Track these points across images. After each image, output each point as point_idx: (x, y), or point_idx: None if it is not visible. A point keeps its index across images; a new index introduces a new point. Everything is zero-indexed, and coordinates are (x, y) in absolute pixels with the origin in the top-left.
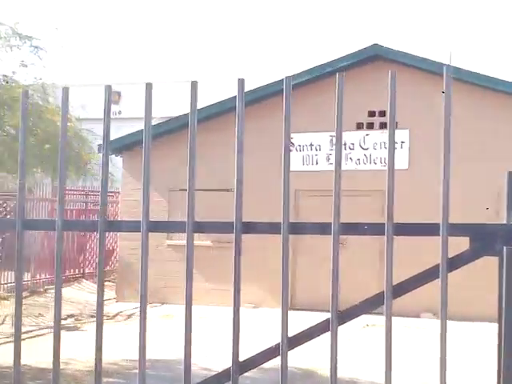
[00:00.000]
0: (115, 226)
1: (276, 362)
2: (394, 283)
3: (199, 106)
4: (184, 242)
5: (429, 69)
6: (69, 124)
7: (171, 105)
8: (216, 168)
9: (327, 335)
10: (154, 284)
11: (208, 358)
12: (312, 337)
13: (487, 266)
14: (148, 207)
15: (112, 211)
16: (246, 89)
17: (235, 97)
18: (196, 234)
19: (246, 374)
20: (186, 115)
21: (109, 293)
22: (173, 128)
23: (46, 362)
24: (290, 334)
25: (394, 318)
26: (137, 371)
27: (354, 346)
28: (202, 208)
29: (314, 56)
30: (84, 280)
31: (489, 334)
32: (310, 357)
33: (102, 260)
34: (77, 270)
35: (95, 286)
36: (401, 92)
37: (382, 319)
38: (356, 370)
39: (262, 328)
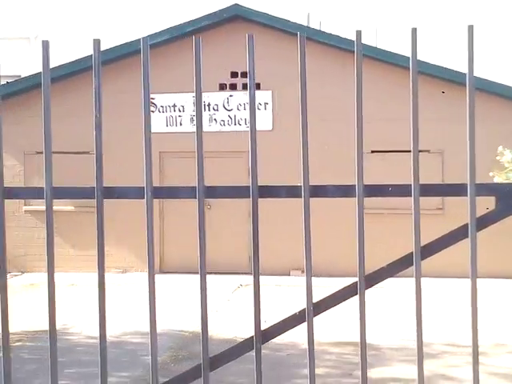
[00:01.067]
0: None
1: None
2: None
3: (54, 64)
4: (42, 208)
5: (289, 30)
6: None
7: (15, 63)
8: (74, 130)
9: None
10: (12, 252)
11: (93, 325)
12: (339, 301)
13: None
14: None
15: None
16: (105, 47)
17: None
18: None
19: None
20: (37, 74)
21: None
22: (26, 87)
23: None
24: (167, 296)
25: (265, 277)
26: (20, 343)
27: (233, 306)
28: (61, 171)
29: (175, 15)
30: None
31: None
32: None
33: None
34: None
35: None
36: (263, 53)
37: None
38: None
39: (134, 293)
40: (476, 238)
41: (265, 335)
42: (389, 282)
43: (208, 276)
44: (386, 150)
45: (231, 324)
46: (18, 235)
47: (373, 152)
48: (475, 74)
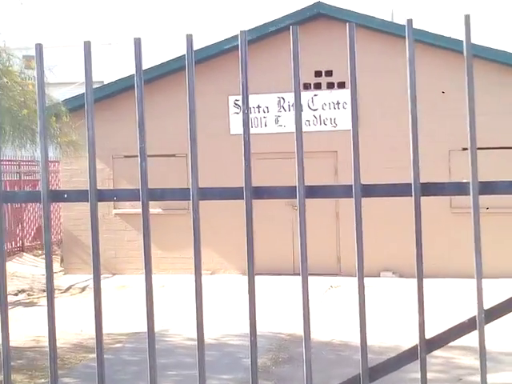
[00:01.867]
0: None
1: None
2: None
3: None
4: (132, 211)
5: (374, 27)
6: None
7: (97, 68)
8: (160, 133)
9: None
10: (103, 254)
11: (191, 327)
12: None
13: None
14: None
15: (52, 181)
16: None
17: (180, 57)
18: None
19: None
20: (125, 78)
21: (53, 265)
22: (112, 92)
23: (15, 341)
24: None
25: (354, 279)
26: (120, 345)
27: (326, 308)
28: (150, 175)
29: (256, 16)
30: (24, 253)
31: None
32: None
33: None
34: (14, 244)
35: (36, 258)
36: (346, 51)
37: (344, 280)
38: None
39: (226, 295)
40: None
41: (430, 344)
42: None
43: (296, 277)
44: (481, 148)
45: (326, 326)
46: (109, 238)
47: (464, 150)
48: None
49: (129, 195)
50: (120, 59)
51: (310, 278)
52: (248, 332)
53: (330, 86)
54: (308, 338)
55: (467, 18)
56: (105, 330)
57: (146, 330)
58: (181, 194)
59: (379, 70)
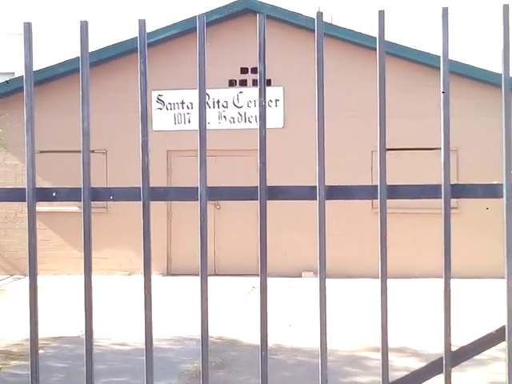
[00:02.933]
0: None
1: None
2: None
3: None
4: (46, 209)
5: (300, 24)
6: None
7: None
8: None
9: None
10: (15, 254)
11: (116, 331)
12: None
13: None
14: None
15: None
16: (104, 44)
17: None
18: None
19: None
20: (39, 71)
21: None
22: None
23: None
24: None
25: (277, 279)
26: (42, 351)
27: (250, 309)
28: (63, 170)
29: (184, 9)
30: None
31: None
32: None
33: None
34: None
35: None
36: (273, 48)
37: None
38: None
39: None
40: None
41: (455, 356)
42: None
43: (217, 278)
44: (400, 148)
45: (255, 328)
46: (21, 237)
47: (387, 150)
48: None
49: (128, 194)
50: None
51: (232, 279)
52: (178, 336)
53: (256, 83)
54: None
55: (381, 13)
56: (24, 335)
57: (67, 334)
58: (187, 194)
59: (306, 68)
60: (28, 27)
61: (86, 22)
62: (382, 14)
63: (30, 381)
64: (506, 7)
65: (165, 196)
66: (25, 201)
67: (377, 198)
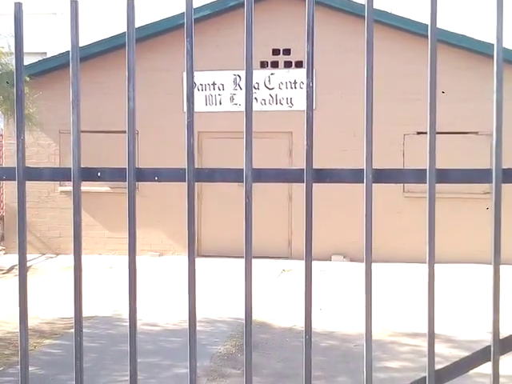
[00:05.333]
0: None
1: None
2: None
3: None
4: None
5: (335, 6)
6: None
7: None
8: (103, 108)
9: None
10: (47, 233)
11: (146, 312)
12: None
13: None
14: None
15: None
16: (137, 25)
17: (123, 33)
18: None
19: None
20: (82, 47)
21: None
22: (61, 64)
23: None
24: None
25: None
26: (72, 330)
27: (281, 292)
28: (91, 150)
29: None
30: None
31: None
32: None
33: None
34: None
35: None
36: (303, 30)
37: (296, 263)
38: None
39: (178, 278)
40: None
41: (503, 344)
42: None
43: (253, 260)
44: (439, 132)
45: (285, 311)
46: (53, 216)
47: (419, 133)
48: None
49: (173, 175)
50: (65, 29)
51: (263, 262)
52: (206, 317)
53: (288, 64)
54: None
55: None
56: (57, 314)
57: (100, 314)
58: (232, 175)
59: (339, 51)
60: (75, 5)
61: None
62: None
63: (74, 361)
64: None
65: (210, 177)
66: (70, 180)
67: (425, 183)
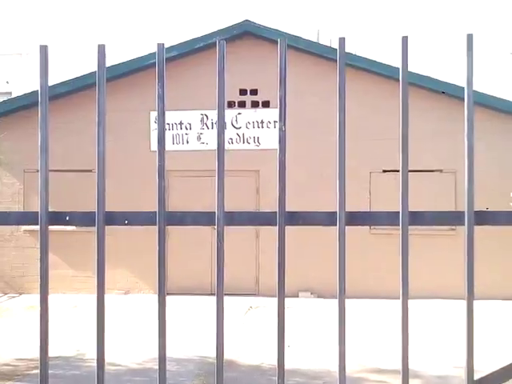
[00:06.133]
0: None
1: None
2: None
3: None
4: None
5: (299, 47)
6: None
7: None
8: (75, 147)
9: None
10: (10, 273)
11: (111, 351)
12: None
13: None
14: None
15: None
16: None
17: (94, 72)
18: None
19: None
20: (36, 92)
21: None
22: (27, 104)
23: None
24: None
25: (274, 299)
26: (37, 371)
27: (249, 330)
28: (61, 190)
29: (184, 31)
30: None
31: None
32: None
33: None
34: None
35: None
36: (273, 71)
37: (263, 300)
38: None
39: (141, 316)
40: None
41: None
42: None
43: (212, 297)
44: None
45: (253, 349)
46: (17, 255)
47: (384, 172)
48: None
49: (143, 219)
50: (30, 70)
51: (230, 299)
52: (172, 356)
53: (255, 104)
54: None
55: (405, 40)
56: (18, 355)
57: (64, 354)
58: (205, 219)
59: (303, 92)
60: (44, 50)
61: (103, 45)
62: (405, 40)
63: None
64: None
65: (181, 221)
66: (37, 224)
67: (398, 225)
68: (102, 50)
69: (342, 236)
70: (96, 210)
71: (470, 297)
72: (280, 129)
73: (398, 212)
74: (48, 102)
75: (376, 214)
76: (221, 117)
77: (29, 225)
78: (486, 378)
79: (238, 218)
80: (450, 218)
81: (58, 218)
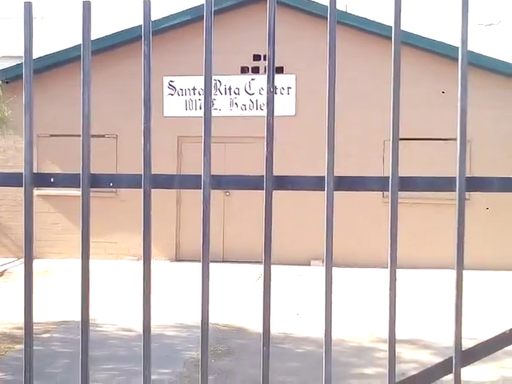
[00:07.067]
0: (46, 180)
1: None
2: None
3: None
4: (56, 193)
5: (314, 11)
6: None
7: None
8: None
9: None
10: (22, 237)
11: (122, 316)
12: None
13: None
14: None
15: None
16: (115, 30)
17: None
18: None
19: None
20: (53, 54)
21: None
22: (40, 67)
23: None
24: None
25: (285, 267)
26: (48, 335)
27: (258, 296)
28: (72, 155)
29: None
30: None
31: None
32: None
33: None
34: None
35: None
36: (286, 36)
37: (274, 268)
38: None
39: (156, 282)
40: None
41: (466, 356)
42: None
43: (225, 265)
44: (408, 138)
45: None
46: None
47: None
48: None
49: (129, 181)
50: (49, 34)
51: (241, 266)
52: (185, 323)
53: None
54: None
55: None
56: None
57: (74, 318)
58: (190, 182)
59: (319, 56)
60: (28, 7)
61: (88, 2)
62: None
63: (24, 371)
64: None
65: (167, 184)
66: (21, 186)
67: (388, 190)
68: (86, 6)
69: (329, 200)
70: (81, 172)
71: (460, 267)
72: (268, 90)
73: (388, 177)
74: (31, 64)
75: (365, 178)
76: (208, 76)
77: (13, 186)
78: (473, 350)
79: (224, 182)
80: (442, 184)
81: (42, 179)
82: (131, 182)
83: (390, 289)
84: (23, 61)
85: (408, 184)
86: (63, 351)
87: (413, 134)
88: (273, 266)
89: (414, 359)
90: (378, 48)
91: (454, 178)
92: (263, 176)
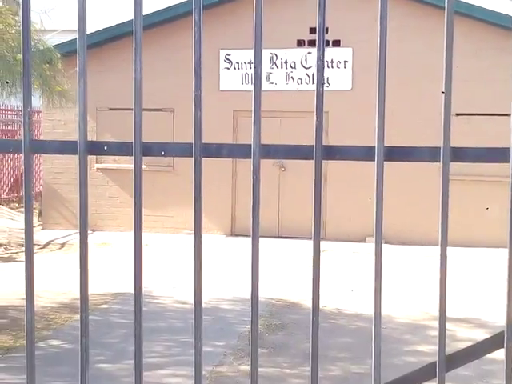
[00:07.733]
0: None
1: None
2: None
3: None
4: (115, 166)
5: None
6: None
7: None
8: (146, 86)
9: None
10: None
11: (177, 289)
12: None
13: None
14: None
15: (34, 131)
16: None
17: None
18: (130, 158)
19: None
20: (111, 27)
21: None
22: (101, 40)
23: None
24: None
25: (341, 244)
26: (106, 306)
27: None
28: (130, 128)
29: None
30: (0, 206)
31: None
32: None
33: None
34: None
35: (13, 212)
36: (344, 8)
37: (330, 244)
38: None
39: (210, 256)
40: None
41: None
42: None
43: (281, 240)
44: (473, 113)
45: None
46: (90, 193)
47: (457, 115)
48: None
49: (180, 150)
50: (107, 7)
51: (297, 242)
52: (240, 297)
53: (326, 43)
54: None
55: None
56: (90, 290)
57: (131, 290)
58: (240, 151)
59: (374, 30)
60: None
61: None
62: None
63: (80, 338)
64: None
65: (217, 153)
66: (76, 153)
67: (439, 161)
68: None
69: (379, 171)
70: (133, 141)
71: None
72: (318, 58)
73: (439, 147)
74: (85, 35)
75: (417, 149)
76: (258, 47)
77: (69, 154)
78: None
79: (274, 151)
80: (494, 155)
81: (96, 147)
82: (182, 150)
83: (441, 265)
84: (77, 30)
85: (459, 154)
86: (121, 321)
87: (476, 109)
88: (328, 243)
89: (468, 337)
90: (440, 20)
91: (508, 148)
92: (312, 146)
